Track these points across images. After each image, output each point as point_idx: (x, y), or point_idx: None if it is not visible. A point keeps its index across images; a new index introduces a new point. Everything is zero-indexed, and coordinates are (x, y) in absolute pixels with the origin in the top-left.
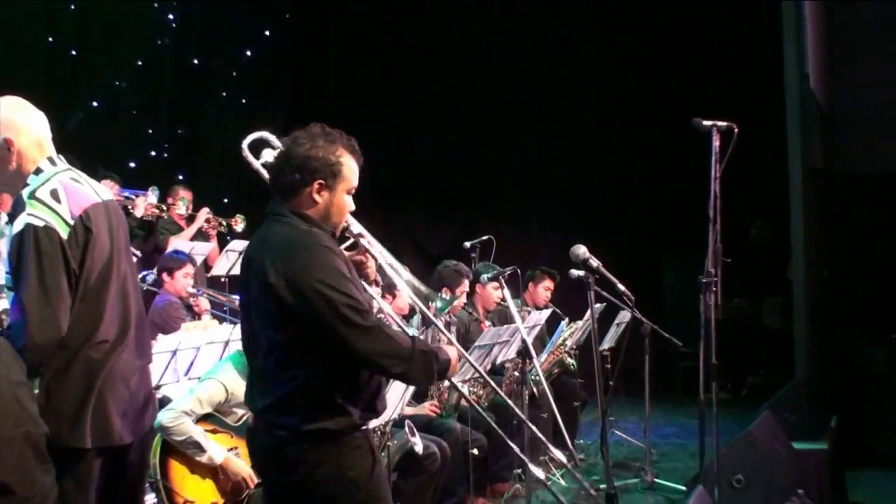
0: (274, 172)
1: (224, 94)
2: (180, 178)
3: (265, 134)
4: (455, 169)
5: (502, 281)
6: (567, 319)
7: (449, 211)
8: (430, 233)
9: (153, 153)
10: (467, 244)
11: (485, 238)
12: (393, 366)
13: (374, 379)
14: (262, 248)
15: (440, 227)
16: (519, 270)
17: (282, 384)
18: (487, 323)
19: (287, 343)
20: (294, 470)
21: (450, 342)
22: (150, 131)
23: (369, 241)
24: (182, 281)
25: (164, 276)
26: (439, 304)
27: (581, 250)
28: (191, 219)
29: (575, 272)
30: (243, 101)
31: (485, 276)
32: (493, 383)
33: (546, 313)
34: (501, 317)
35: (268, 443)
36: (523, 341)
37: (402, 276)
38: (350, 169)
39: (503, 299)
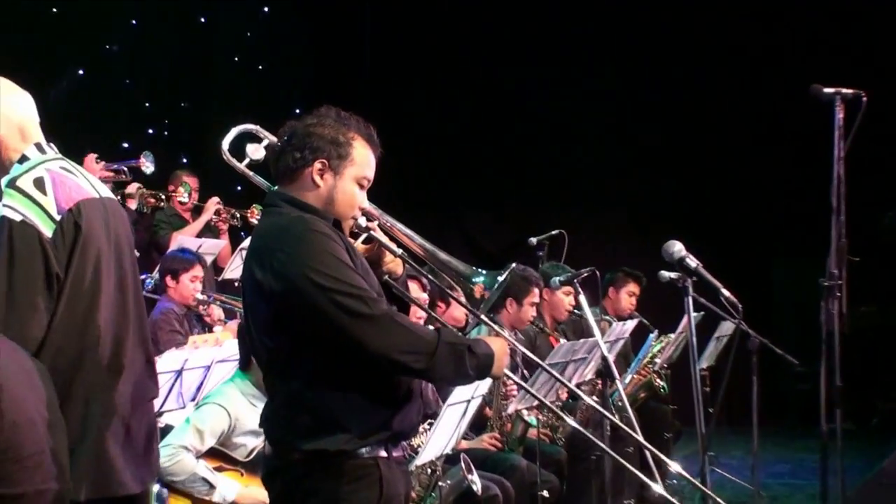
0: (274, 156)
1: (236, 58)
2: (184, 161)
3: (250, 127)
4: (515, 153)
5: (577, 285)
6: (656, 332)
7: (508, 200)
8: (486, 227)
9: (151, 131)
10: (533, 240)
11: (555, 233)
12: (412, 361)
13: (389, 389)
14: (251, 246)
15: (498, 220)
16: (597, 272)
17: (277, 396)
18: (559, 337)
19: (284, 350)
20: (285, 502)
21: (497, 333)
22: (147, 105)
23: (389, 224)
24: (189, 286)
25: (168, 279)
26: (482, 278)
27: (676, 247)
28: (197, 210)
29: (667, 274)
30: (259, 67)
31: (555, 280)
32: (556, 410)
33: (631, 325)
34: (576, 329)
35: (264, 468)
36: (603, 359)
37: (439, 256)
38: (362, 155)
39: (577, 307)
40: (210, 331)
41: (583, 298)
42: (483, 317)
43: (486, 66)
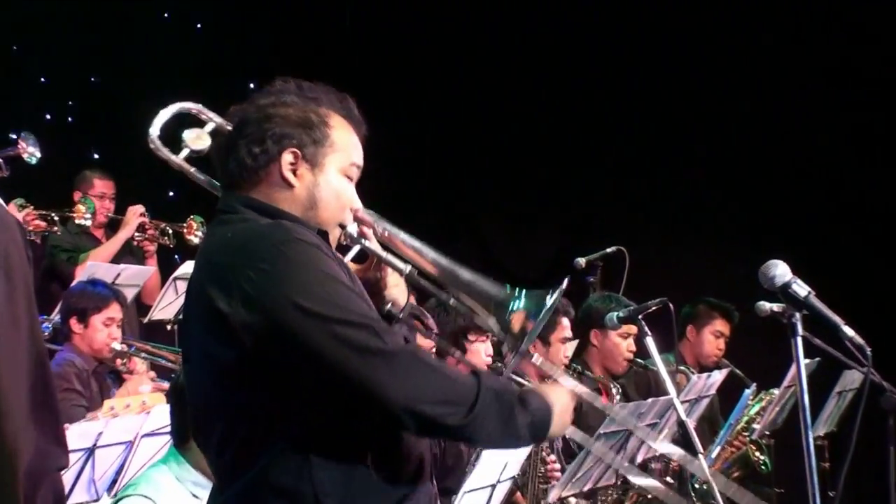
0: (222, 154)
1: (166, 14)
2: (94, 156)
3: (188, 105)
4: (550, 147)
5: (642, 323)
6: (754, 387)
7: (544, 209)
8: (513, 245)
9: (48, 116)
10: (581, 261)
11: (611, 251)
12: (445, 415)
13: (397, 462)
14: (202, 267)
15: (531, 234)
16: (671, 305)
17: (234, 481)
18: (615, 394)
19: (255, 412)
20: None
21: (553, 381)
22: (43, 80)
23: (388, 233)
24: (102, 331)
25: (73, 323)
26: (522, 302)
27: (779, 269)
28: (113, 225)
29: (768, 306)
30: (198, 26)
31: (612, 317)
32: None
33: (718, 377)
34: (640, 384)
35: None
36: (681, 425)
37: (460, 276)
38: (343, 136)
39: (643, 354)
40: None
41: (650, 342)
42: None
43: (511, 42)
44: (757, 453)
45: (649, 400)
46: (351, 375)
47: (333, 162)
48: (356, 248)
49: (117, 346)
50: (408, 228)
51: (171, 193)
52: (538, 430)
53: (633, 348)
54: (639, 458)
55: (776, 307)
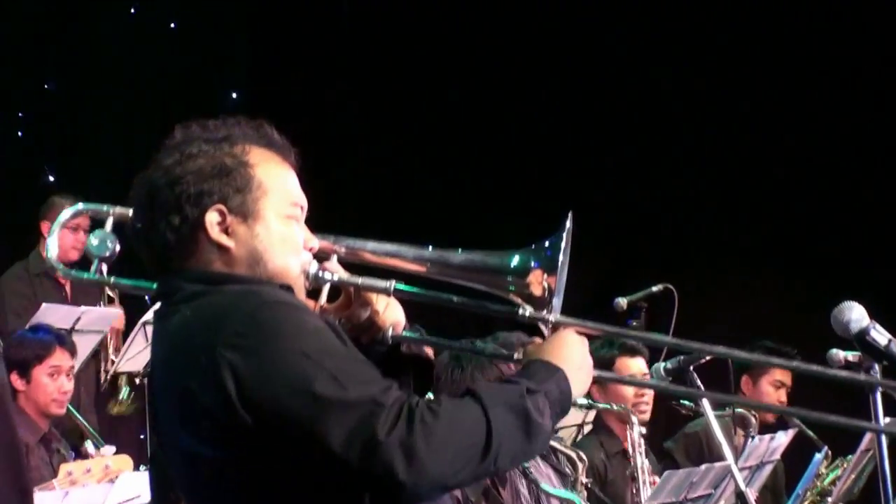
0: (141, 237)
1: (132, 9)
2: (49, 178)
3: (76, 208)
4: (585, 172)
5: (693, 376)
6: (825, 450)
7: (578, 247)
8: None
9: None
10: (622, 302)
11: (656, 290)
12: (468, 472)
13: None
14: (166, 359)
15: (567, 278)
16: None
17: None
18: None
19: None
20: None
21: (553, 326)
22: None
23: (355, 249)
24: (49, 384)
25: (15, 379)
26: (531, 259)
27: (855, 313)
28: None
29: (842, 355)
30: (171, 26)
31: (658, 368)
32: None
33: (784, 439)
34: (690, 447)
35: None
36: (739, 496)
37: (451, 262)
38: (273, 173)
39: (693, 412)
40: (84, 455)
41: (705, 402)
42: (557, 319)
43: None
44: None
45: (702, 466)
46: (374, 468)
47: (268, 206)
48: (327, 287)
49: (64, 407)
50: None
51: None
52: (563, 409)
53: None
54: None
55: (851, 356)
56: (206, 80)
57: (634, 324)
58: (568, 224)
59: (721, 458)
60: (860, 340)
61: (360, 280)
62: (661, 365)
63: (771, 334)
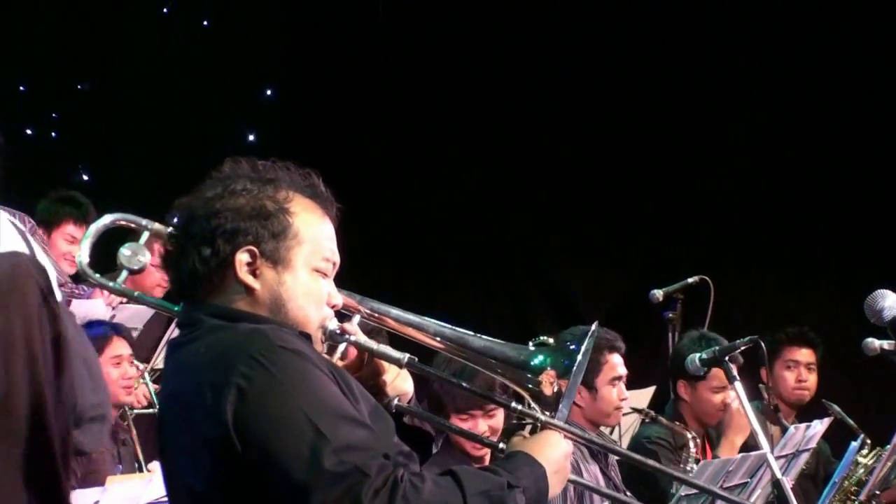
0: (171, 261)
1: (165, 9)
2: (84, 177)
3: (113, 218)
4: (617, 170)
5: (729, 367)
6: (862, 438)
7: (614, 240)
8: (584, 282)
9: (29, 131)
10: (658, 294)
11: (691, 281)
12: None
13: None
14: (175, 393)
15: (600, 269)
16: (762, 344)
17: None
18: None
19: None
20: None
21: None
22: (22, 88)
23: (378, 314)
24: (114, 374)
25: None
26: (547, 358)
27: (888, 301)
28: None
29: (877, 343)
30: (204, 24)
31: (693, 358)
32: None
33: (820, 427)
34: None
35: None
36: (776, 485)
37: (470, 345)
38: (311, 225)
39: (727, 402)
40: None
41: (739, 388)
42: (546, 420)
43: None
44: None
45: (738, 455)
46: None
47: (300, 256)
48: (342, 346)
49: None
50: (456, 268)
51: (175, 220)
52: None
53: (730, 399)
54: None
55: (887, 345)
56: (240, 78)
57: (670, 315)
58: (588, 342)
59: (757, 446)
60: (893, 327)
61: (375, 346)
62: (696, 356)
63: (806, 324)
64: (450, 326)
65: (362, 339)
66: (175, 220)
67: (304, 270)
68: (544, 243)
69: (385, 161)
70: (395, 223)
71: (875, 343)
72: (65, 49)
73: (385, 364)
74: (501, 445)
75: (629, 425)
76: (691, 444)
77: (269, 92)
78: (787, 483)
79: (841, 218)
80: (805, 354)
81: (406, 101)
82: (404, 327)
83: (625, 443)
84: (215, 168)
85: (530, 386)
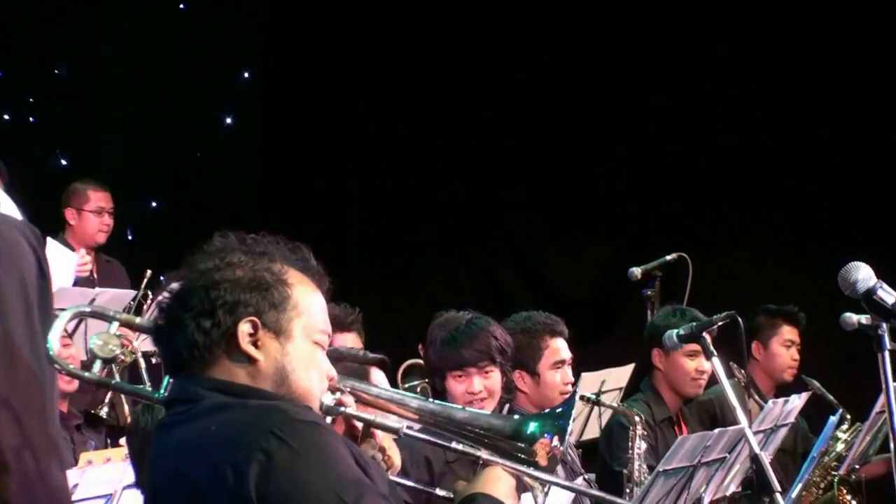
0: (164, 334)
1: None
2: (62, 162)
3: (80, 309)
4: (592, 149)
5: (706, 342)
6: (841, 413)
7: (592, 219)
8: (562, 260)
9: (6, 116)
10: (636, 271)
11: (670, 259)
12: None
13: None
14: (180, 470)
15: (578, 248)
16: (740, 319)
17: None
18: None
19: None
20: None
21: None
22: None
23: (360, 391)
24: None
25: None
26: (536, 425)
27: (862, 273)
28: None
29: (855, 318)
30: (180, 7)
31: (671, 334)
32: None
33: (798, 402)
34: (706, 413)
35: None
36: (754, 459)
37: (455, 418)
38: (307, 297)
39: (703, 374)
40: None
41: (717, 363)
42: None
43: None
44: (848, 496)
45: (716, 430)
46: None
47: (300, 328)
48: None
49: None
50: (434, 246)
51: (153, 204)
52: None
53: (705, 367)
54: (706, 500)
55: (864, 319)
56: (217, 61)
57: (649, 293)
58: (570, 404)
59: (735, 420)
60: (867, 300)
61: (373, 417)
62: (673, 332)
63: (785, 300)
64: (434, 401)
65: (355, 412)
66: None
67: (305, 341)
68: (522, 221)
69: (363, 141)
70: (373, 201)
71: (853, 318)
72: (41, 33)
73: (380, 435)
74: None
75: (579, 412)
76: (638, 424)
77: (246, 74)
78: (766, 458)
79: (818, 193)
80: (796, 333)
81: (384, 82)
82: (385, 403)
83: (576, 427)
84: (192, 151)
85: (523, 457)
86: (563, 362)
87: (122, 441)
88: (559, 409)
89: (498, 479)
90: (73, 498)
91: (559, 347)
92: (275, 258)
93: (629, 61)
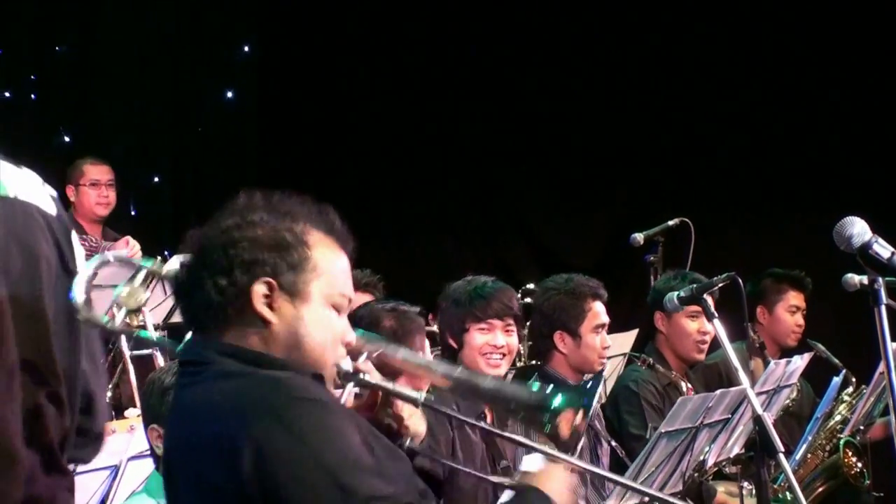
0: (182, 290)
1: None
2: (65, 139)
3: (107, 257)
4: (593, 114)
5: (707, 304)
6: (844, 374)
7: (593, 186)
8: (565, 227)
9: (7, 94)
10: (639, 237)
11: (672, 224)
12: None
13: None
14: (185, 437)
15: (581, 215)
16: (740, 280)
17: None
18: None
19: None
20: None
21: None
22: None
23: (388, 356)
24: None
25: None
26: (562, 398)
27: (857, 228)
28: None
29: (857, 279)
30: None
31: (672, 297)
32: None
33: (800, 362)
34: (710, 376)
35: None
36: (757, 421)
37: (480, 387)
38: (327, 258)
39: (706, 335)
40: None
41: (718, 325)
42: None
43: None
44: (851, 457)
45: (717, 392)
46: None
47: (318, 289)
48: (350, 386)
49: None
50: (438, 217)
51: (155, 179)
52: None
53: (707, 329)
54: (710, 461)
55: (866, 279)
56: (217, 36)
57: (651, 258)
58: (599, 380)
59: (737, 382)
60: (863, 255)
61: (391, 385)
62: (674, 294)
63: (787, 264)
64: (459, 367)
65: (377, 378)
66: (188, 249)
67: (322, 305)
68: (525, 190)
69: (364, 114)
70: (375, 175)
71: (855, 278)
72: (41, 10)
73: (399, 404)
74: (508, 481)
75: (613, 369)
76: (682, 384)
77: (246, 48)
78: (769, 419)
79: (819, 155)
80: (802, 299)
81: (386, 58)
82: (412, 368)
83: (609, 386)
84: (193, 126)
85: (547, 427)
86: (602, 326)
87: (127, 413)
88: (588, 385)
89: (556, 478)
90: (79, 470)
91: (600, 311)
92: (298, 218)
93: (630, 28)
